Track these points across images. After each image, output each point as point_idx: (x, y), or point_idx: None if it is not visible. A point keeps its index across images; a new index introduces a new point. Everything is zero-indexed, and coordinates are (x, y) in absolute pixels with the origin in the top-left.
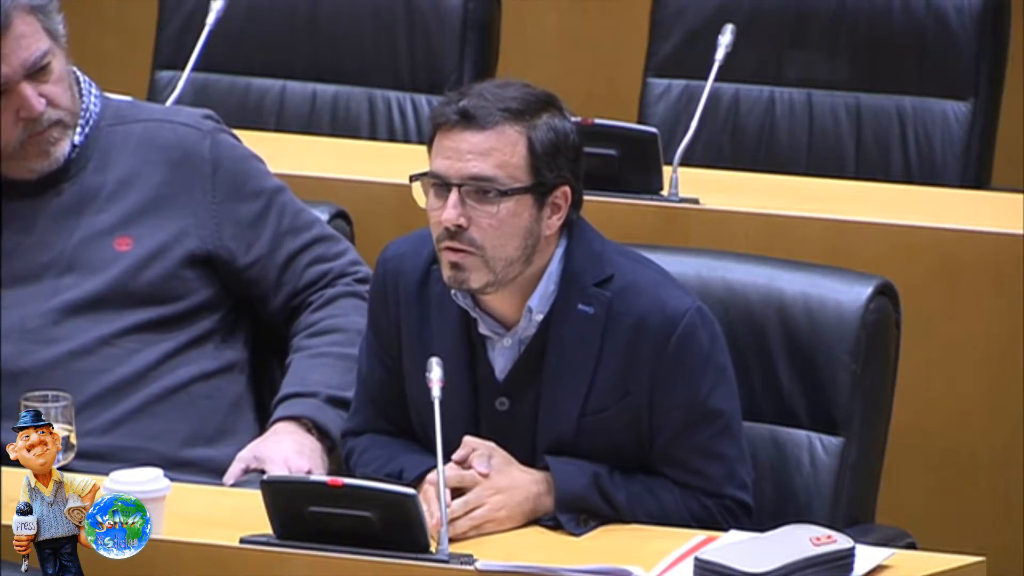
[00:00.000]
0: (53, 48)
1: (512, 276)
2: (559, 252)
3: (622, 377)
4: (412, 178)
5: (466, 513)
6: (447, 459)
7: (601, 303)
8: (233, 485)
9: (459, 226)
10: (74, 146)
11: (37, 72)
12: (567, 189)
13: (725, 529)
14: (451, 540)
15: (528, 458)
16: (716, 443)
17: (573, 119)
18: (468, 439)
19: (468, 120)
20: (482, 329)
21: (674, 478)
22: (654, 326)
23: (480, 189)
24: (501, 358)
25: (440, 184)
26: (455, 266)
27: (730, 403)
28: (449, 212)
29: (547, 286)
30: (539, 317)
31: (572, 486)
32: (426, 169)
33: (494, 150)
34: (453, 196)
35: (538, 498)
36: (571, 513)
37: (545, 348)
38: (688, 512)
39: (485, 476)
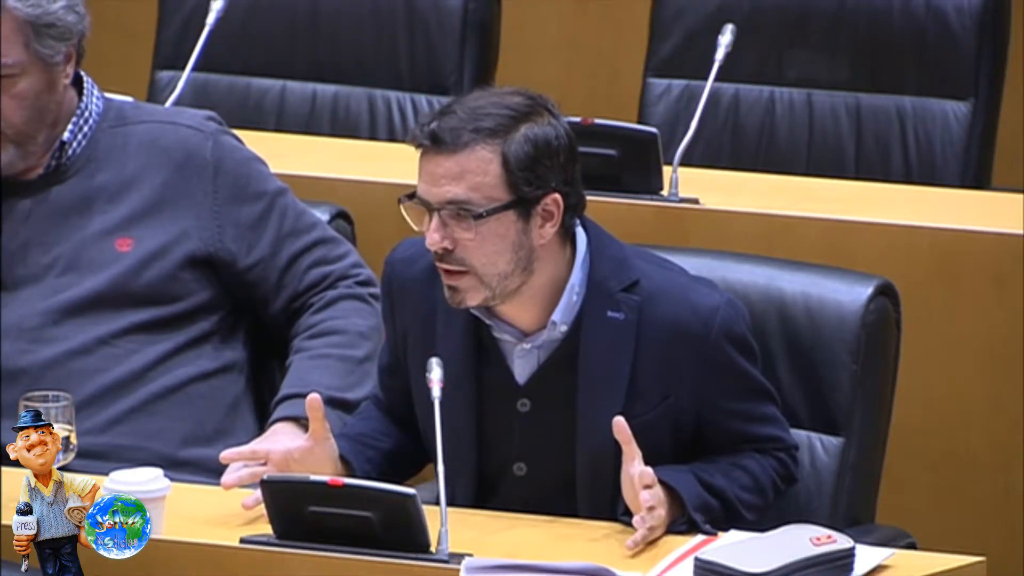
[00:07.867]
0: (26, 66)
1: (513, 288)
2: (579, 261)
3: (661, 380)
4: (400, 201)
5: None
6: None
7: (631, 308)
8: None
9: (445, 248)
10: (63, 143)
11: None
12: (557, 196)
13: (796, 478)
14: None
15: (565, 466)
16: (769, 411)
17: (572, 119)
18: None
19: (438, 143)
20: (496, 333)
21: (747, 450)
22: (689, 328)
23: (457, 212)
24: (520, 360)
25: (424, 206)
26: (451, 288)
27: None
28: (432, 236)
29: (570, 297)
30: (564, 328)
31: (692, 488)
32: (412, 191)
33: (466, 172)
34: (435, 220)
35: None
36: (700, 513)
37: (576, 356)
38: (772, 470)
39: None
